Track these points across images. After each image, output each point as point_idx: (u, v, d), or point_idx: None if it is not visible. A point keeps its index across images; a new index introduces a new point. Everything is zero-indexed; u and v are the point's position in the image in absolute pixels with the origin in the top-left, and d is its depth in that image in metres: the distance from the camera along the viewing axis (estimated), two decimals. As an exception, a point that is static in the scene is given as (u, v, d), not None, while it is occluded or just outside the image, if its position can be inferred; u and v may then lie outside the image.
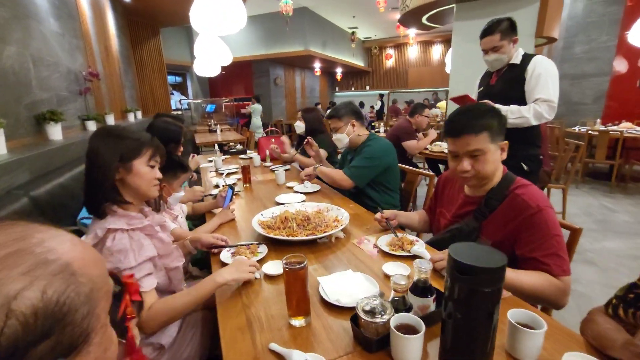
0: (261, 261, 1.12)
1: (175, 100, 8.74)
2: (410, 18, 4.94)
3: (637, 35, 4.09)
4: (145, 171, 0.99)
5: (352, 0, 7.77)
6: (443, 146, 3.57)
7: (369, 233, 1.36)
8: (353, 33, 10.64)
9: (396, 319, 0.71)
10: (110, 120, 3.84)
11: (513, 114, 1.81)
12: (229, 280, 0.93)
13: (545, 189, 3.29)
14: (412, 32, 9.33)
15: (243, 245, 1.20)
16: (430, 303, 0.79)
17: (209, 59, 4.79)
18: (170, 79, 9.56)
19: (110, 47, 4.64)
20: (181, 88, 10.29)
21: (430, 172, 2.04)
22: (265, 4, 7.60)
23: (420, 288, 0.79)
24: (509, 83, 1.90)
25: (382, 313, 0.73)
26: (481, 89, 2.07)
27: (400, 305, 0.77)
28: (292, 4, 6.07)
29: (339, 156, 2.44)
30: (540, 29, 3.75)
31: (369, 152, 1.88)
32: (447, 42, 11.49)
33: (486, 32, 1.88)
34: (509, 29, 1.85)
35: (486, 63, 1.97)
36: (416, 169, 2.07)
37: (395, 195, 1.97)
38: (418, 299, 0.79)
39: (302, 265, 0.78)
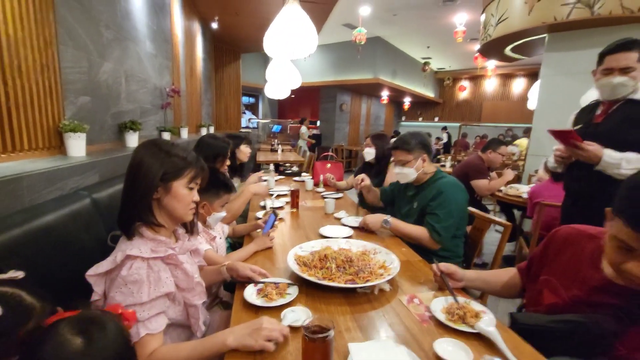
0: (288, 305, 0.97)
1: (246, 119, 9.35)
2: (492, 48, 4.59)
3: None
4: (183, 194, 0.93)
5: (427, 31, 7.62)
6: (520, 189, 3.10)
7: (422, 290, 1.13)
8: (426, 63, 10.39)
9: None
10: (184, 133, 4.17)
11: (630, 162, 1.40)
12: (239, 345, 0.79)
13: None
14: (491, 64, 8.76)
15: (272, 282, 1.06)
16: None
17: (279, 82, 5.01)
18: (244, 99, 10.32)
19: (195, 69, 5.14)
20: (253, 108, 11.03)
21: (507, 222, 1.70)
22: (339, 33, 7.85)
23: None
24: (622, 122, 1.50)
25: None
26: (580, 126, 1.69)
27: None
28: (366, 33, 6.14)
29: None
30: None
31: (452, 200, 1.58)
32: (530, 75, 10.54)
33: (621, 47, 1.49)
34: None
35: (602, 89, 1.57)
36: (488, 216, 1.76)
37: (460, 242, 1.68)
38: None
39: (326, 335, 0.61)
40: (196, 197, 0.97)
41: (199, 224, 1.31)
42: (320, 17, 5.61)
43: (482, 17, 4.35)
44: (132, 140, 2.64)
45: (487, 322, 0.88)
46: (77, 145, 1.90)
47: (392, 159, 1.81)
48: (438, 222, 1.54)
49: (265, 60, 9.03)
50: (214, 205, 1.34)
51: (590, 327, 0.62)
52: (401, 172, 1.74)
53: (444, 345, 0.80)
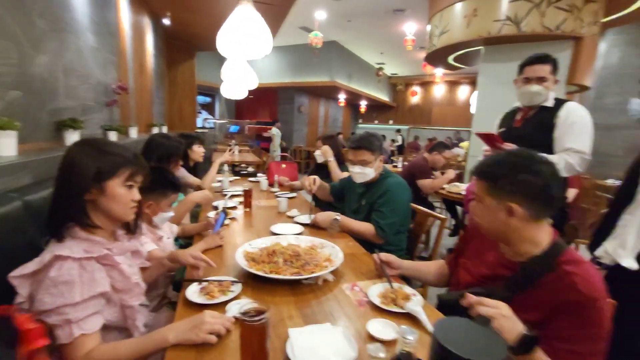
0: (230, 301, 1.00)
1: (202, 119, 9.06)
2: (437, 57, 4.95)
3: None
4: (121, 193, 0.90)
5: (380, 38, 7.97)
6: (461, 187, 3.39)
7: (363, 279, 1.22)
8: (380, 68, 10.84)
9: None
10: (133, 132, 3.96)
11: None
12: (180, 341, 0.80)
13: (573, 244, 3.01)
14: (439, 71, 9.39)
15: (215, 280, 1.08)
16: (413, 384, 0.64)
17: (235, 82, 4.94)
18: (200, 99, 9.98)
19: (145, 65, 4.89)
20: (209, 108, 10.70)
21: (442, 215, 1.88)
22: (296, 36, 7.93)
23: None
24: (536, 127, 1.75)
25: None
26: (503, 129, 1.93)
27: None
28: (322, 37, 6.27)
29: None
30: (572, 76, 3.62)
31: (397, 198, 1.70)
32: (472, 83, 11.45)
33: (538, 60, 1.74)
34: (556, 66, 1.74)
35: (522, 96, 1.80)
36: (427, 210, 1.92)
37: (404, 237, 1.82)
38: (399, 375, 0.64)
39: (261, 318, 0.66)
40: (137, 196, 0.95)
41: (143, 224, 1.29)
42: (277, 19, 5.63)
43: (428, 28, 4.67)
44: (73, 139, 2.47)
45: (415, 303, 1.00)
46: (6, 144, 1.75)
47: (350, 157, 1.82)
48: (383, 219, 1.66)
49: (221, 59, 8.80)
50: (160, 204, 1.33)
51: (486, 296, 0.75)
52: (362, 172, 1.77)
53: (375, 324, 0.90)
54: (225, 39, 2.75)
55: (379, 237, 1.67)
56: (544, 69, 1.72)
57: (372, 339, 0.85)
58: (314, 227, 1.81)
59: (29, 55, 2.09)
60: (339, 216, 1.74)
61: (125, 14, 4.01)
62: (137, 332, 0.95)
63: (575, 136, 1.63)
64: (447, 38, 4.05)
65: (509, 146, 1.67)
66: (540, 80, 1.72)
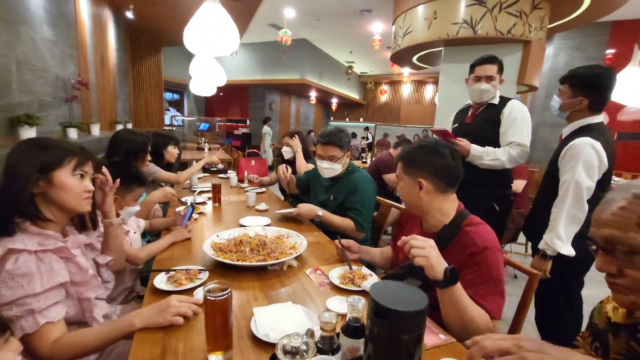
0: (198, 287, 1.05)
1: (169, 116, 8.79)
2: (402, 57, 5.15)
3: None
4: (71, 183, 0.89)
5: (349, 37, 8.11)
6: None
7: (325, 264, 1.31)
8: (350, 67, 11.03)
9: (316, 361, 0.64)
10: (96, 129, 3.81)
11: (488, 155, 1.82)
12: (147, 324, 0.84)
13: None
14: (406, 70, 9.71)
15: (182, 269, 1.13)
16: (360, 345, 0.73)
17: (204, 78, 4.86)
18: (168, 95, 9.67)
19: (107, 59, 4.70)
20: (178, 105, 10.39)
21: (402, 206, 2.01)
22: (265, 33, 7.89)
23: (352, 328, 0.73)
24: (484, 122, 1.92)
25: (305, 354, 0.67)
26: (456, 125, 2.09)
27: (327, 346, 0.71)
28: (291, 35, 6.30)
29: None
30: (522, 76, 3.92)
31: (366, 193, 1.77)
32: (437, 82, 11.94)
33: (487, 60, 1.88)
34: (502, 67, 1.91)
35: (472, 93, 1.95)
36: (388, 201, 2.05)
37: (369, 227, 1.93)
38: (348, 340, 0.73)
39: (223, 294, 0.72)
40: (89, 187, 0.94)
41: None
42: (245, 15, 5.60)
43: (393, 28, 4.85)
44: (29, 136, 2.37)
45: (371, 281, 1.10)
46: (-46, 141, 1.67)
47: (319, 152, 1.83)
48: (360, 215, 1.74)
49: (190, 55, 8.59)
50: (126, 199, 1.34)
51: (414, 266, 0.89)
52: (330, 168, 1.80)
53: (333, 301, 0.99)
54: (192, 35, 2.74)
55: (358, 232, 1.74)
56: (492, 69, 1.88)
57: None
58: (286, 220, 1.87)
59: (-22, 48, 1.99)
60: (320, 211, 1.75)
61: (84, 5, 3.84)
62: (97, 324, 0.95)
63: (517, 130, 1.81)
64: (410, 39, 4.24)
65: (461, 141, 1.83)
66: (489, 79, 1.88)
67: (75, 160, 0.90)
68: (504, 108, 1.85)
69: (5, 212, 0.82)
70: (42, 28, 2.84)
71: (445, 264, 0.87)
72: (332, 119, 14.73)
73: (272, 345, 0.78)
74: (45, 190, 0.87)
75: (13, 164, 0.85)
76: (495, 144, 1.86)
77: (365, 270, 1.20)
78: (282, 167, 2.13)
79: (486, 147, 1.84)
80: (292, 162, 2.73)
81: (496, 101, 1.92)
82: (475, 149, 1.83)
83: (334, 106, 13.81)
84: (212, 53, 3.07)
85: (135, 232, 1.44)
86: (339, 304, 0.97)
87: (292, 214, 1.81)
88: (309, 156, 2.74)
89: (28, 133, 2.37)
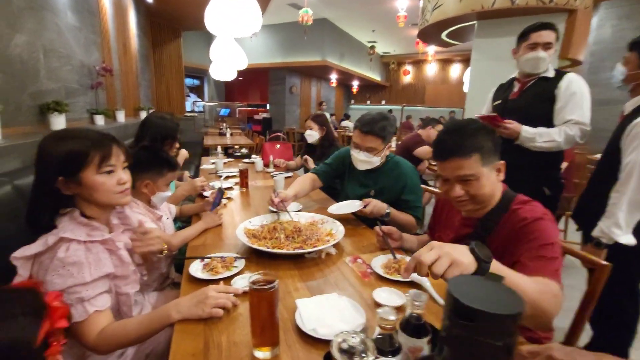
0: (235, 276, 1.00)
1: (191, 102, 8.85)
2: (430, 33, 4.85)
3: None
4: (100, 181, 0.85)
5: (372, 15, 7.77)
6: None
7: (365, 252, 1.23)
8: (372, 47, 10.63)
9: (378, 364, 0.57)
10: (121, 116, 3.85)
11: (542, 137, 1.61)
12: (186, 317, 0.80)
13: (564, 217, 3.08)
14: (431, 49, 9.26)
15: (217, 257, 1.08)
16: (423, 345, 0.65)
17: (225, 62, 4.80)
18: (188, 81, 9.71)
19: (129, 46, 4.70)
20: (198, 91, 10.44)
21: (438, 190, 1.89)
22: (285, 14, 7.68)
23: (413, 325, 0.65)
24: (535, 98, 1.70)
25: (363, 354, 0.59)
26: (498, 102, 1.90)
27: (386, 346, 0.63)
28: (312, 15, 6.09)
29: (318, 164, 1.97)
30: (566, 50, 3.59)
31: (418, 184, 1.61)
32: (466, 61, 11.33)
33: (545, 26, 1.66)
34: (558, 35, 1.69)
35: (525, 64, 1.70)
36: (426, 186, 1.93)
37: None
38: (409, 339, 0.65)
39: (271, 286, 0.66)
40: (123, 178, 0.90)
41: (142, 204, 1.27)
42: (265, -6, 5.43)
43: (421, 3, 4.55)
44: (59, 123, 2.39)
45: (419, 272, 1.01)
46: (-11, 128, 1.68)
47: (357, 140, 1.57)
48: (417, 211, 1.59)
49: (209, 39, 8.55)
50: (157, 184, 1.30)
51: None
52: (367, 161, 1.56)
53: (381, 293, 0.91)
54: (213, 15, 2.66)
55: (417, 227, 1.61)
56: (550, 35, 1.65)
57: (379, 306, 0.86)
58: (312, 206, 1.80)
59: (6, 35, 1.99)
60: (389, 209, 1.50)
61: (105, -10, 3.81)
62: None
63: (575, 107, 1.60)
64: (440, 13, 3.96)
65: (510, 123, 1.64)
66: (547, 46, 1.66)
67: (98, 156, 0.84)
68: (559, 82, 1.64)
69: (42, 210, 0.83)
70: (66, 14, 2.83)
71: (461, 249, 0.68)
72: (353, 102, 14.41)
73: (321, 341, 0.72)
74: (79, 191, 0.85)
75: (39, 162, 0.83)
76: (547, 122, 1.66)
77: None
78: (272, 195, 1.54)
79: (539, 127, 1.64)
80: (315, 147, 2.64)
81: (550, 74, 1.69)
82: (526, 131, 1.63)
83: (355, 89, 13.48)
84: (234, 34, 2.98)
85: (167, 218, 1.41)
86: (389, 297, 0.90)
87: (354, 211, 1.47)
88: (332, 142, 2.61)
89: (57, 120, 2.39)
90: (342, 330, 0.68)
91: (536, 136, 1.62)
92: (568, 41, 3.56)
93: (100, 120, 3.19)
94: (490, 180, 0.95)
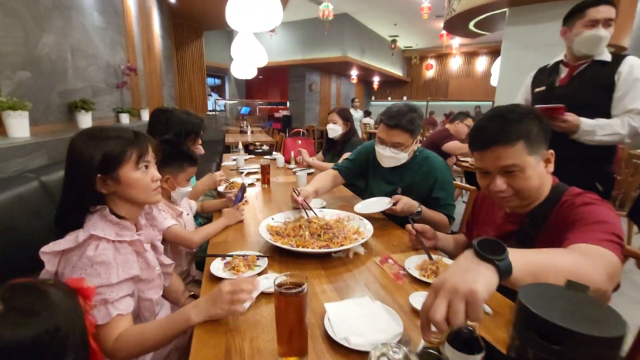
0: (258, 276, 0.94)
1: (212, 101, 8.98)
2: (456, 24, 4.64)
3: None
4: (137, 177, 0.84)
5: (394, 8, 7.57)
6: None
7: (396, 252, 1.14)
8: (393, 41, 10.39)
9: (425, 384, 0.48)
10: (145, 115, 3.91)
11: (603, 129, 1.41)
12: (206, 318, 0.74)
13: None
14: (455, 42, 8.93)
15: (239, 255, 1.02)
16: (476, 362, 0.56)
17: (245, 60, 4.79)
18: (210, 80, 9.85)
19: (153, 46, 4.79)
20: (219, 90, 10.58)
21: (471, 187, 1.76)
22: (305, 10, 7.61)
23: (464, 340, 0.56)
24: (589, 85, 1.49)
25: (406, 371, 0.51)
26: (541, 88, 1.69)
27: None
28: (333, 9, 5.98)
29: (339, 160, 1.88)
30: (608, 35, 3.33)
31: (449, 180, 1.49)
32: (493, 53, 10.87)
33: (604, 0, 1.44)
34: (617, 12, 1.46)
35: (582, 43, 1.48)
36: (463, 184, 1.80)
37: None
38: (459, 355, 0.56)
39: (300, 289, 0.58)
40: (156, 175, 0.89)
41: (163, 200, 1.23)
42: (285, -10, 5.38)
43: (447, -9, 4.36)
44: (85, 121, 2.43)
45: (459, 275, 0.91)
46: (18, 125, 1.71)
47: (382, 135, 1.46)
48: (451, 210, 1.48)
49: (230, 38, 8.62)
50: (178, 179, 1.26)
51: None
52: (394, 157, 1.44)
53: (419, 297, 0.82)
54: (234, 10, 2.63)
55: (449, 226, 1.50)
56: (610, 11, 1.43)
57: (416, 313, 0.77)
58: (335, 203, 1.72)
59: (35, 34, 2.02)
60: (420, 207, 1.38)
61: (129, -9, 3.88)
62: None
63: (639, 95, 1.39)
64: (468, 1, 3.77)
65: (570, 116, 1.42)
66: (607, 23, 1.43)
67: (136, 152, 0.84)
68: (619, 66, 1.42)
69: (74, 209, 0.81)
70: (92, 15, 2.88)
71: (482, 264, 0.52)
72: (373, 98, 14.18)
73: (354, 352, 0.64)
74: (114, 189, 0.83)
75: (73, 161, 0.81)
76: (603, 112, 1.45)
77: (448, 260, 1.01)
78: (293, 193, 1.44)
79: (598, 119, 1.43)
80: (336, 142, 2.54)
81: (607, 57, 1.47)
82: (585, 124, 1.42)
83: (375, 85, 13.24)
84: (254, 29, 2.94)
85: (188, 214, 1.38)
86: (427, 302, 0.80)
87: (383, 209, 1.35)
88: (352, 135, 2.50)
89: (84, 118, 2.43)
90: (379, 341, 0.60)
91: (596, 129, 1.42)
92: (611, 25, 3.29)
93: (125, 118, 3.25)
94: (538, 172, 0.84)
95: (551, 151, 0.86)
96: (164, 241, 1.18)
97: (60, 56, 2.32)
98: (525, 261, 0.55)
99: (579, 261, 0.62)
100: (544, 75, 1.70)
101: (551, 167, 0.88)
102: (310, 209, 1.29)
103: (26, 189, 1.28)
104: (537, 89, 1.70)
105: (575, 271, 0.59)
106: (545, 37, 3.85)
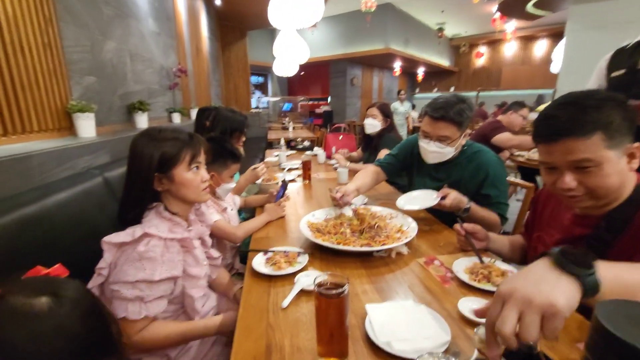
0: (297, 273, 0.94)
1: (255, 98, 9.26)
2: (512, 5, 4.27)
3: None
4: (189, 178, 0.90)
5: (441, -6, 7.19)
6: (545, 154, 2.94)
7: (442, 252, 1.07)
8: (440, 29, 9.87)
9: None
10: (194, 114, 4.14)
11: None
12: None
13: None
14: (510, 26, 8.23)
15: (281, 251, 1.03)
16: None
17: (287, 56, 4.86)
18: (253, 79, 10.17)
19: (201, 48, 5.04)
20: (262, 88, 10.88)
21: (528, 183, 1.61)
22: (346, 3, 7.51)
23: (523, 355, 0.50)
24: None
25: (455, 385, 0.47)
26: (620, 72, 1.48)
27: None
28: (376, 0, 5.83)
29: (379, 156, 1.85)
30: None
31: (503, 177, 1.37)
32: (553, 35, 9.86)
33: None
34: None
35: None
36: (519, 181, 1.65)
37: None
38: (516, 372, 0.50)
39: (341, 290, 0.56)
40: (205, 176, 0.94)
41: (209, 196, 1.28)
42: (326, -16, 5.34)
43: (502, -30, 4.03)
44: (142, 121, 2.63)
45: (515, 281, 0.83)
46: (86, 126, 1.89)
47: (426, 129, 1.37)
48: (504, 209, 1.36)
49: (272, 37, 8.81)
50: (222, 175, 1.31)
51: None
52: (439, 152, 1.34)
53: (469, 304, 0.75)
54: (276, 8, 2.66)
55: (501, 227, 1.38)
56: None
57: (466, 321, 0.71)
58: (377, 198, 1.67)
59: (99, 42, 2.22)
60: (470, 204, 1.27)
61: (180, -3, 4.11)
62: (198, 317, 0.95)
63: None
64: (526, -22, 3.44)
65: None
66: None
67: (190, 154, 0.89)
68: None
69: (135, 205, 0.87)
70: (148, 21, 3.09)
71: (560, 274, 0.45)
72: (417, 90, 13.65)
73: (398, 358, 0.61)
74: (169, 188, 0.89)
75: (134, 160, 0.88)
76: None
77: (502, 264, 0.92)
78: (332, 191, 1.39)
79: None
80: (373, 138, 2.45)
81: None
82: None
83: (419, 76, 12.73)
84: (297, 24, 2.95)
85: (232, 209, 1.42)
86: (479, 310, 0.74)
87: (431, 205, 1.25)
88: (389, 131, 2.40)
89: (141, 118, 2.62)
90: (425, 349, 0.56)
91: None
92: None
93: (176, 118, 3.46)
94: (618, 169, 0.72)
95: (637, 144, 0.73)
96: (210, 235, 1.24)
97: (120, 61, 2.52)
98: (614, 277, 0.47)
99: None
100: (624, 56, 1.48)
101: (636, 164, 0.74)
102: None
103: (92, 185, 1.41)
104: (615, 73, 1.48)
105: None
106: (617, 14, 3.38)
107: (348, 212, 1.30)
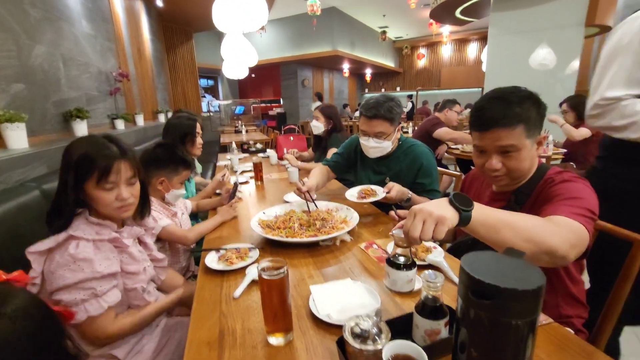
0: (250, 265, 1.01)
1: (206, 102, 9.00)
2: (443, 12, 4.68)
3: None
4: (98, 195, 0.85)
5: (382, -1, 7.58)
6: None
7: (381, 237, 1.20)
8: (383, 32, 10.38)
9: (392, 347, 0.55)
10: (140, 120, 3.96)
11: None
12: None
13: None
14: (445, 30, 8.94)
15: (232, 248, 1.09)
16: (441, 327, 0.63)
17: (236, 60, 4.82)
18: (202, 82, 9.87)
19: (143, 50, 4.81)
20: (213, 91, 10.60)
21: (457, 172, 1.83)
22: (293, 6, 7.61)
23: (430, 308, 0.63)
24: None
25: (377, 338, 0.58)
26: None
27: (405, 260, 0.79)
28: (320, 4, 5.99)
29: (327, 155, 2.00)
30: (592, 17, 3.36)
31: (434, 166, 1.53)
32: (483, 39, 10.87)
33: None
34: None
35: None
36: (442, 169, 1.87)
37: None
38: (426, 322, 0.63)
39: (280, 272, 0.65)
40: (124, 195, 0.88)
41: (157, 200, 1.30)
42: (272, -13, 5.39)
43: (432, -19, 4.39)
44: (81, 129, 2.49)
45: (436, 254, 0.98)
46: (17, 137, 1.77)
47: (363, 128, 1.51)
48: (434, 195, 1.50)
49: (220, 39, 8.62)
50: (172, 182, 1.32)
51: None
52: (378, 147, 1.49)
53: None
54: (220, 12, 2.66)
55: None
56: None
57: (395, 291, 0.84)
58: (327, 194, 1.78)
59: (27, 46, 2.07)
60: (410, 194, 1.41)
61: (116, -3, 3.90)
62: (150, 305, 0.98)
63: None
64: (452, -11, 3.81)
65: None
66: None
67: (97, 173, 0.83)
68: None
69: (63, 211, 0.85)
70: (81, 23, 2.92)
71: (443, 204, 0.69)
72: (366, 90, 14.20)
73: (336, 327, 0.71)
74: (84, 197, 0.87)
75: (61, 168, 0.86)
76: None
77: (428, 243, 1.07)
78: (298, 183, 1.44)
79: None
80: (321, 138, 2.59)
81: None
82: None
83: (368, 77, 13.26)
84: (242, 29, 2.98)
85: (183, 214, 1.44)
86: (404, 281, 0.87)
87: (379, 199, 1.36)
88: (340, 130, 2.54)
89: (80, 126, 2.48)
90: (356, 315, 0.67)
91: None
92: (594, 7, 3.33)
93: (120, 124, 3.29)
94: (531, 154, 0.91)
95: (544, 135, 0.93)
96: (161, 240, 1.25)
97: (52, 66, 2.37)
98: (485, 216, 0.69)
99: (539, 225, 0.70)
100: None
101: (541, 150, 0.95)
102: (312, 201, 1.35)
103: (28, 198, 1.34)
104: None
105: (530, 232, 0.68)
106: (530, 21, 3.90)
107: (298, 209, 1.39)
